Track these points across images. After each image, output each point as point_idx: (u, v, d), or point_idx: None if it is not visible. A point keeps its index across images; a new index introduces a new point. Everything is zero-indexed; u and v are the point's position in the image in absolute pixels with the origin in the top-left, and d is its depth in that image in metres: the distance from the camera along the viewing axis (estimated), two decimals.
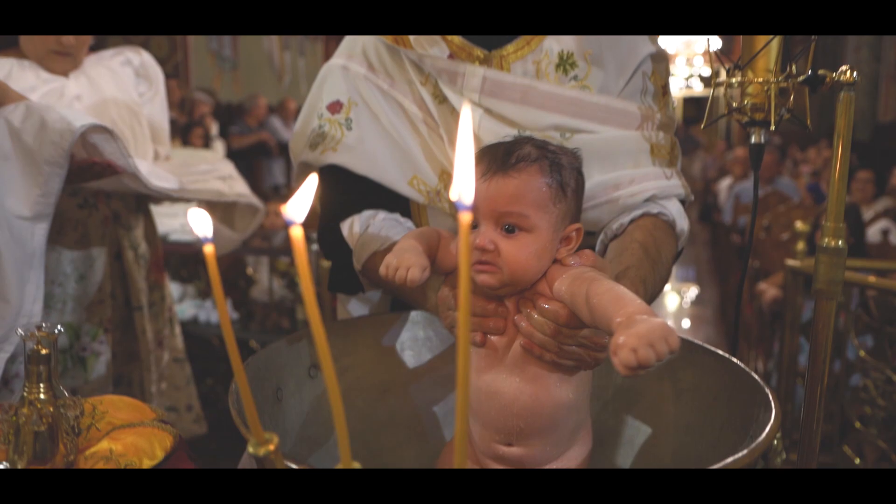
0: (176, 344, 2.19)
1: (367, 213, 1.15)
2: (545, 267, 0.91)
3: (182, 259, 3.86)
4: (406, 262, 0.90)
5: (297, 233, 0.51)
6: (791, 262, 2.77)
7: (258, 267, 4.03)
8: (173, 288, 3.53)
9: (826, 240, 1.03)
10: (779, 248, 3.82)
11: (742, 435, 0.91)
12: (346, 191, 1.16)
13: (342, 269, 1.19)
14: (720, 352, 1.00)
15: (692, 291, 6.71)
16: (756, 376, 0.90)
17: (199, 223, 0.56)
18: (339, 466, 0.58)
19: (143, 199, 2.06)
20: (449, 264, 0.99)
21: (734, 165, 7.21)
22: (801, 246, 2.83)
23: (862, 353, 2.48)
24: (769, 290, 3.45)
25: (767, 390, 0.86)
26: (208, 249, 0.55)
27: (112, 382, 1.90)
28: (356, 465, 0.57)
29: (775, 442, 0.77)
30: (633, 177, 1.09)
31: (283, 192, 6.23)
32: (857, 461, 2.53)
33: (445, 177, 1.12)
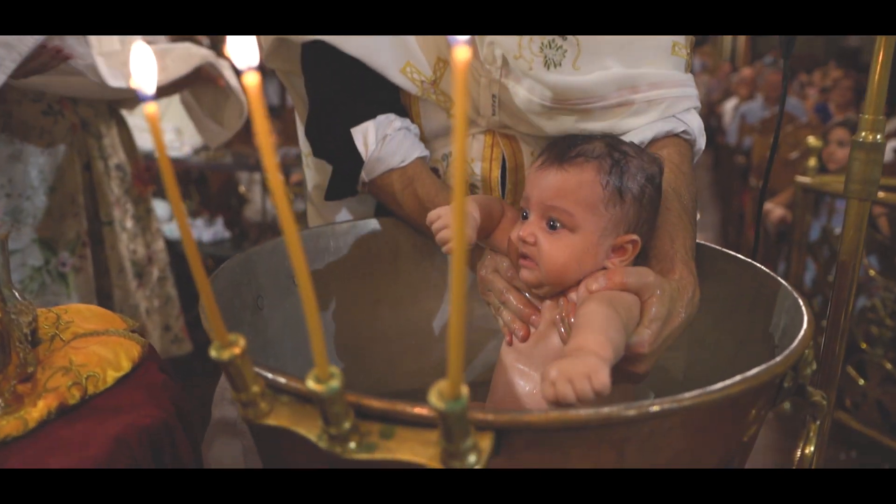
0: (160, 260, 2.11)
1: (382, 120, 1.05)
2: (586, 271, 0.83)
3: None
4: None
5: (251, 80, 0.41)
6: (801, 179, 2.67)
7: (251, 186, 3.91)
8: (161, 207, 3.43)
9: (863, 134, 0.93)
10: (786, 167, 3.71)
11: (765, 346, 0.83)
12: (336, 76, 1.04)
13: (345, 175, 1.08)
14: (741, 256, 0.91)
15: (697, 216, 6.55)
16: (783, 280, 0.82)
17: (141, 64, 0.46)
18: (314, 374, 0.50)
19: (114, 107, 1.94)
20: (502, 244, 0.93)
21: (740, 86, 7.02)
22: (812, 162, 2.73)
23: (872, 272, 2.40)
24: (775, 209, 3.36)
25: (796, 294, 0.78)
26: (150, 110, 0.45)
27: (97, 299, 1.82)
28: (334, 371, 0.49)
29: (806, 351, 0.69)
30: (653, 80, 0.97)
31: (279, 113, 6.05)
32: (861, 382, 2.49)
33: (441, 66, 1.01)
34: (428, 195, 1.03)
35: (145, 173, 2.04)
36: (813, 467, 0.77)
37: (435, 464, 0.50)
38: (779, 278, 0.82)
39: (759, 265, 0.87)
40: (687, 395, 0.55)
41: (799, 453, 0.76)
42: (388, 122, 1.04)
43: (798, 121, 4.94)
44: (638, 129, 0.98)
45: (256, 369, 0.60)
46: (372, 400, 0.54)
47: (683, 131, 1.00)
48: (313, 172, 1.25)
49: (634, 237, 0.83)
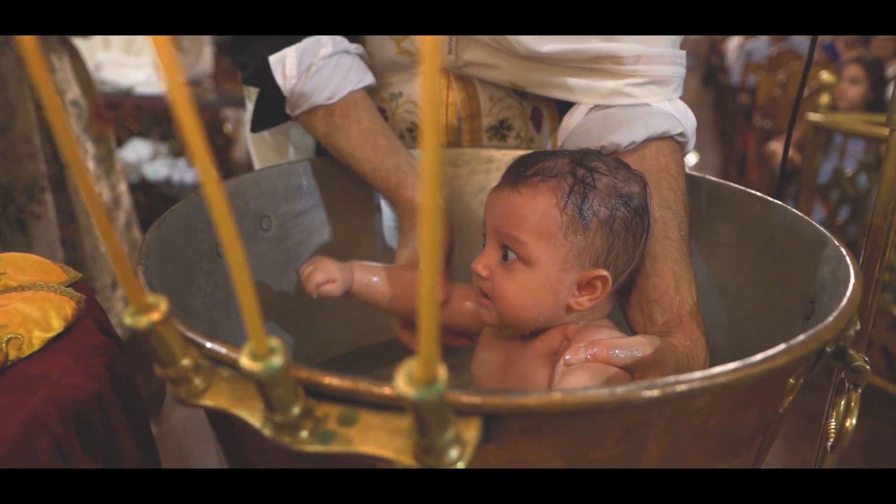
0: (126, 203, 1.99)
1: (307, 45, 0.86)
2: (547, 313, 0.70)
3: (155, 116, 3.60)
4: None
5: None
6: (813, 117, 2.53)
7: (238, 125, 3.75)
8: (144, 147, 3.29)
9: None
10: (792, 105, 3.56)
11: (793, 298, 0.72)
12: None
13: (268, 105, 0.92)
14: (768, 197, 0.80)
15: (691, 158, 6.43)
16: (820, 227, 0.71)
17: None
18: (249, 349, 0.39)
19: (65, 36, 1.78)
20: (407, 308, 0.83)
21: None
22: (825, 98, 2.58)
23: None
24: (781, 149, 3.22)
25: (837, 243, 0.67)
26: None
27: (61, 247, 1.70)
28: (274, 345, 0.39)
29: None
30: (640, 53, 0.81)
31: None
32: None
33: None
34: (350, 146, 0.87)
35: (105, 110, 1.89)
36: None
37: (407, 459, 0.40)
38: (815, 224, 0.71)
39: (790, 208, 0.75)
40: (721, 369, 0.44)
41: (834, 426, 0.66)
42: (316, 48, 0.86)
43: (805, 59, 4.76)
44: (630, 125, 0.81)
45: (190, 334, 0.49)
46: (327, 376, 0.43)
47: (680, 133, 0.83)
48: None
49: (603, 273, 0.69)
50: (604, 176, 0.70)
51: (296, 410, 0.41)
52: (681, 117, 0.83)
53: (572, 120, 0.87)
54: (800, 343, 0.48)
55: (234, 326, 0.82)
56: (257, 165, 1.11)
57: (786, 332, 0.71)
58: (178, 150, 3.30)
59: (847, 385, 0.65)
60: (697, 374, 0.43)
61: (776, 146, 3.27)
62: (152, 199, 3.29)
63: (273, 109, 0.91)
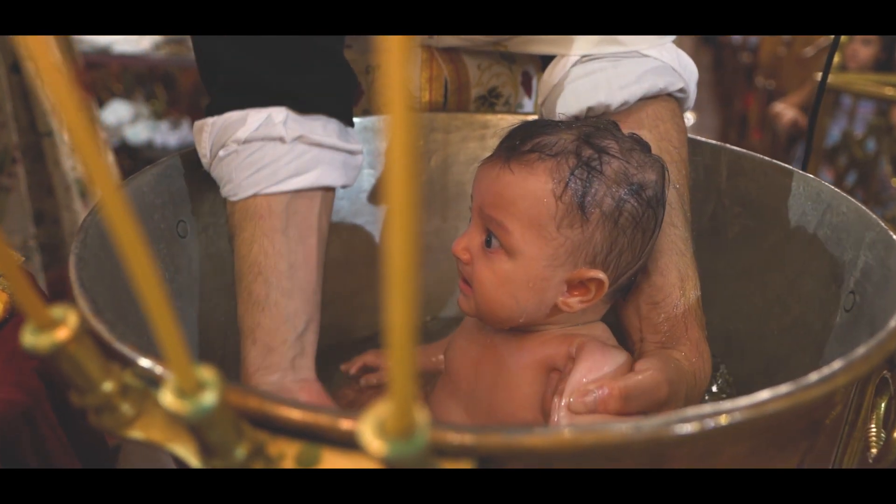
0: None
1: (231, 120, 0.65)
2: (530, 312, 0.60)
3: (137, 77, 3.46)
4: None
5: None
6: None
7: None
8: (124, 109, 3.17)
9: None
10: (799, 64, 3.44)
11: (830, 287, 0.64)
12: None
13: None
14: (801, 171, 0.71)
15: (689, 119, 6.29)
16: (864, 206, 0.62)
17: None
18: (173, 384, 0.30)
19: None
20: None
21: None
22: (836, 58, 2.47)
23: (894, 181, 2.21)
24: (787, 111, 3.11)
25: (885, 225, 0.58)
26: None
27: (33, 221, 1.60)
28: (206, 377, 0.30)
29: None
30: None
31: None
32: None
33: None
34: (236, 266, 0.65)
35: (85, 75, 1.78)
36: None
37: None
38: (857, 202, 0.62)
39: (826, 183, 0.66)
40: (769, 395, 0.36)
41: (874, 431, 0.58)
42: (236, 127, 0.64)
43: None
44: (621, 80, 0.69)
45: (120, 346, 0.41)
46: (281, 407, 0.35)
47: (680, 89, 0.71)
48: None
49: (599, 276, 0.58)
50: (614, 159, 0.59)
51: (240, 453, 0.33)
52: (680, 68, 0.71)
53: (555, 74, 0.73)
54: (861, 358, 0.39)
55: (198, 312, 0.74)
56: None
57: (820, 326, 0.63)
58: (161, 112, 3.17)
59: (892, 387, 0.57)
60: (742, 403, 0.35)
61: (781, 108, 3.16)
62: (136, 163, 3.17)
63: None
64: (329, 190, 0.68)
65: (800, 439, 0.44)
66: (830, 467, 0.65)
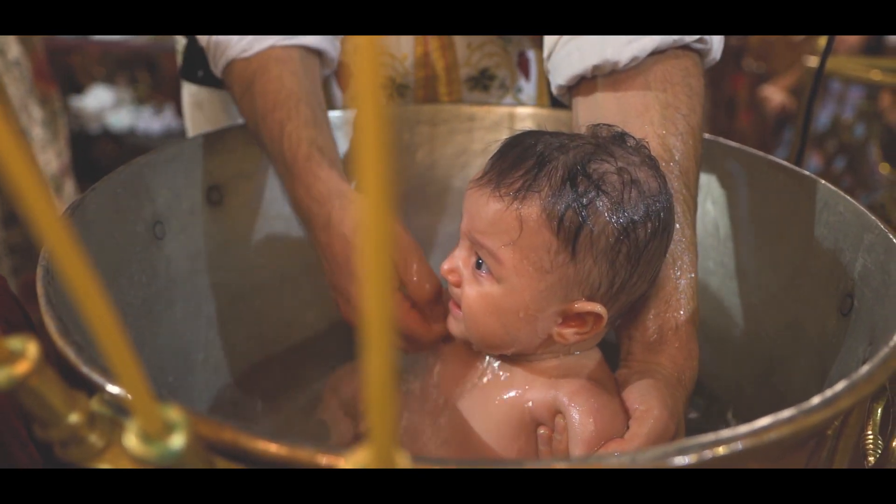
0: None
1: None
2: (523, 341, 0.56)
3: (119, 61, 3.40)
4: None
5: None
6: (811, 61, 2.40)
7: None
8: (105, 94, 3.11)
9: None
10: (787, 47, 3.42)
11: (826, 289, 0.62)
12: None
13: (195, 51, 0.79)
14: (798, 169, 0.69)
15: None
16: (859, 205, 0.60)
17: None
18: (136, 427, 0.28)
19: None
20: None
21: None
22: (825, 40, 2.46)
23: (886, 167, 2.20)
24: (775, 95, 3.10)
25: (883, 226, 0.56)
26: None
27: (3, 223, 1.57)
28: (174, 418, 0.28)
29: None
30: None
31: None
32: None
33: None
34: (263, 105, 0.69)
35: (47, 68, 1.74)
36: None
37: None
38: (854, 202, 0.60)
39: (823, 181, 0.65)
40: (770, 421, 0.34)
41: (871, 437, 0.56)
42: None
43: None
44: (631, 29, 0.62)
45: (88, 371, 0.39)
46: (258, 440, 0.33)
47: (699, 38, 0.65)
48: None
49: (598, 309, 0.54)
50: (613, 189, 0.53)
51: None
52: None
53: None
54: (864, 378, 0.38)
55: (178, 316, 0.72)
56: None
57: (816, 327, 0.62)
58: (144, 97, 3.12)
59: (889, 393, 0.56)
60: (742, 431, 0.33)
61: (770, 91, 3.14)
62: (122, 147, 3.12)
63: (199, 63, 0.79)
64: (324, 59, 0.78)
65: (797, 456, 0.43)
66: None
